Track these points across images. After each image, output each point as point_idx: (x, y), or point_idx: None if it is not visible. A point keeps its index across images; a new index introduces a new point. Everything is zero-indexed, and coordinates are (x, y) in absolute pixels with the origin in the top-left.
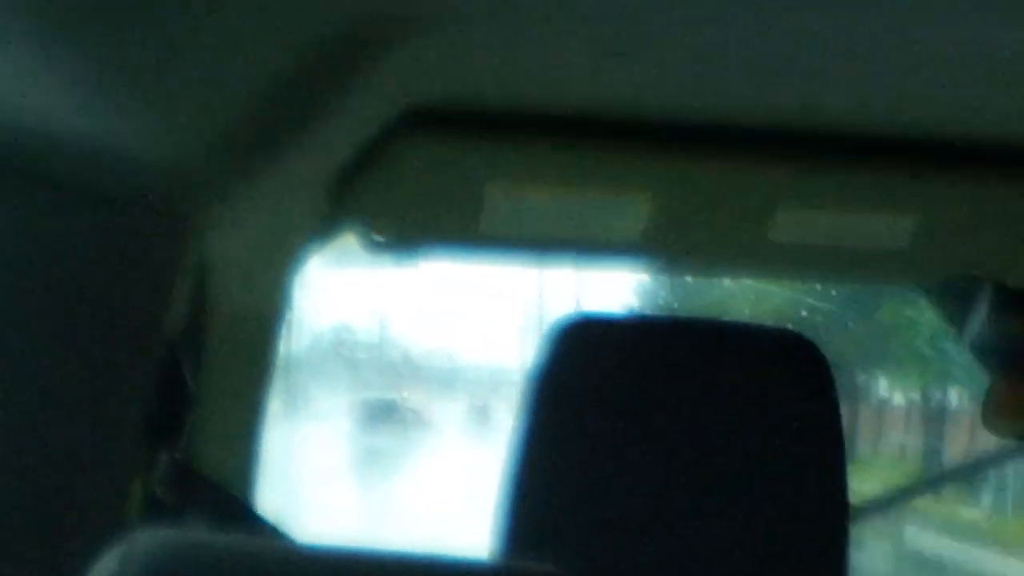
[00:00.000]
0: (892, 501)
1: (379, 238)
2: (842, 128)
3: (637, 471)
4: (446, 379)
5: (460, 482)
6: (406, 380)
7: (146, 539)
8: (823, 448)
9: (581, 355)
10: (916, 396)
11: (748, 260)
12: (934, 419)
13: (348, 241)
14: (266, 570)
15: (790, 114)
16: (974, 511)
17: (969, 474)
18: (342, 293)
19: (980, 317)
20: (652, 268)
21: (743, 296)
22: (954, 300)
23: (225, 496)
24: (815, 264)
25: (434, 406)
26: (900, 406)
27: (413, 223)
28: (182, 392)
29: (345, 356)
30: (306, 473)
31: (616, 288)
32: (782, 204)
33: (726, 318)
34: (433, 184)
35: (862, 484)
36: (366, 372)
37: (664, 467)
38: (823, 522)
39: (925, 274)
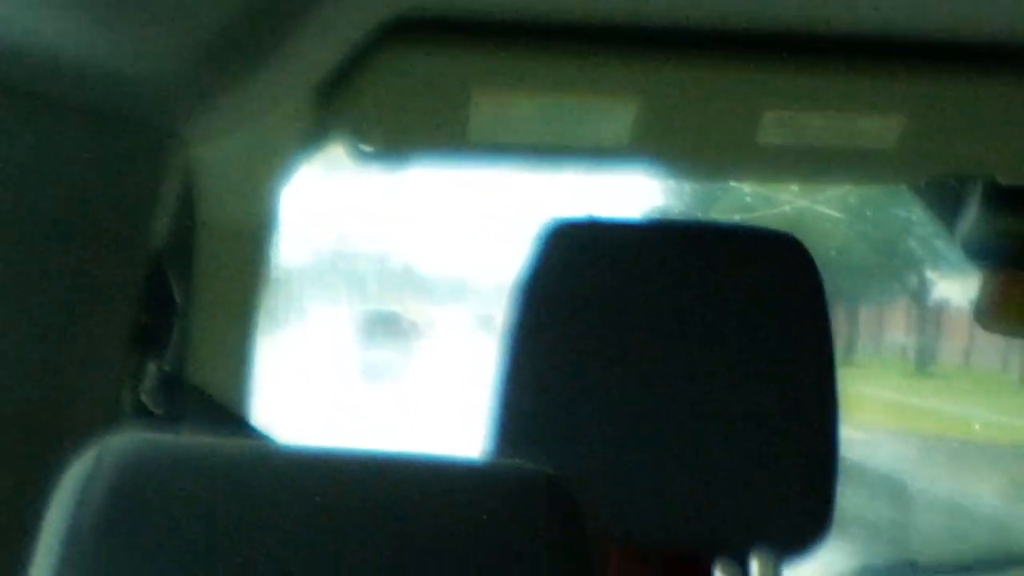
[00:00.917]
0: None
1: (366, 147)
2: (828, 29)
3: (624, 374)
4: (450, 289)
5: (464, 390)
6: (408, 291)
7: (119, 440)
8: (813, 351)
9: (567, 259)
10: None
11: (736, 163)
12: (930, 318)
13: (337, 151)
14: (241, 469)
15: (776, 16)
16: None
17: None
18: (340, 204)
19: (971, 215)
20: (641, 172)
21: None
22: (944, 198)
23: (216, 406)
24: (803, 166)
25: (437, 316)
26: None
27: (400, 131)
28: (169, 303)
29: (343, 268)
30: (305, 386)
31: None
32: (769, 106)
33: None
34: (419, 92)
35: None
36: (367, 284)
37: (651, 370)
38: (813, 425)
39: (914, 173)
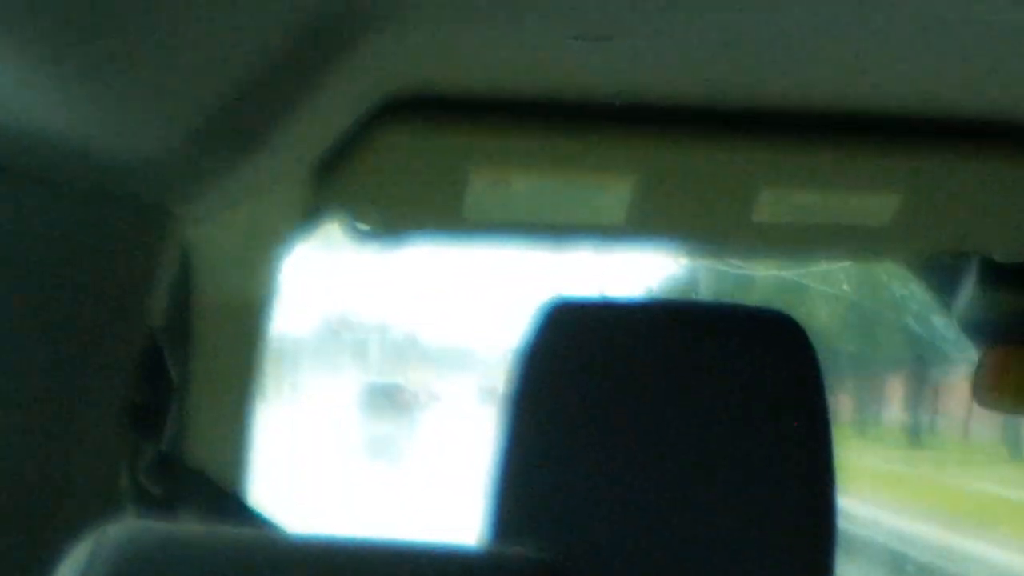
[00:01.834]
0: None
1: (363, 226)
2: (824, 107)
3: (622, 454)
4: (454, 359)
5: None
6: (412, 362)
7: (118, 529)
8: (810, 430)
9: (565, 338)
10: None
11: (733, 241)
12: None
13: (333, 229)
14: (238, 557)
15: (771, 95)
16: None
17: None
18: (340, 275)
19: (967, 291)
20: (637, 251)
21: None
22: (941, 275)
23: (214, 487)
24: (800, 243)
25: (442, 387)
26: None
27: (396, 210)
28: (166, 382)
29: (346, 339)
30: (307, 462)
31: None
32: (765, 185)
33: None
34: (416, 171)
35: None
36: (369, 354)
37: (649, 450)
38: (810, 505)
39: (910, 250)
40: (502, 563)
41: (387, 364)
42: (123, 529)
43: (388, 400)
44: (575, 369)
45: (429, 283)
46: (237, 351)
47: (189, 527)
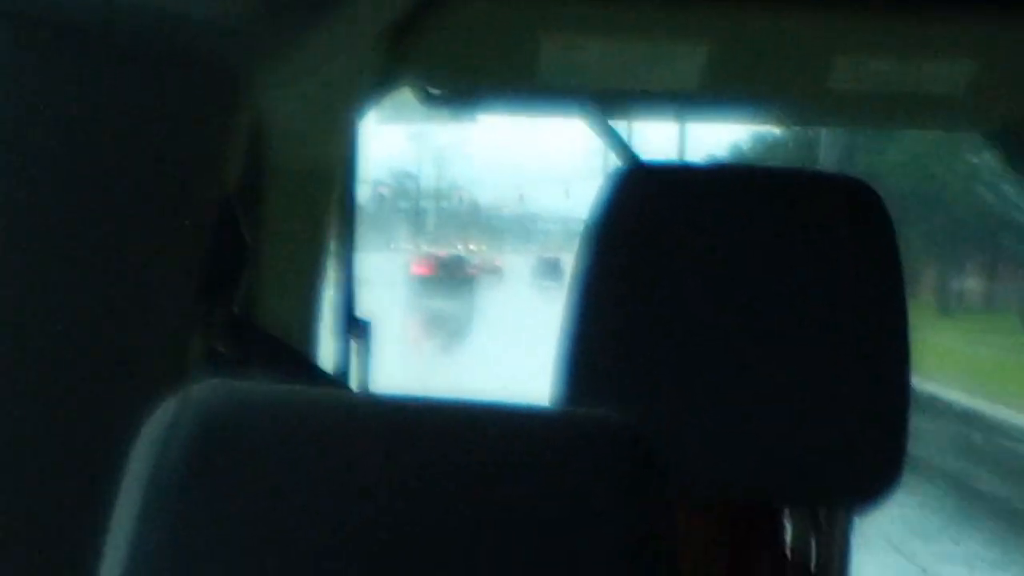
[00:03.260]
0: None
1: (435, 91)
2: None
3: (695, 321)
4: (517, 231)
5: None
6: (474, 232)
7: (201, 388)
8: (884, 298)
9: (638, 205)
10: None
11: (806, 108)
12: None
13: (405, 95)
14: (323, 417)
15: None
16: None
17: None
18: (405, 143)
19: None
20: (709, 117)
21: None
22: (1015, 145)
23: (286, 349)
24: (874, 111)
25: (504, 260)
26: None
27: (468, 76)
28: (240, 248)
29: (405, 208)
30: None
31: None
32: (840, 51)
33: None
34: (488, 36)
35: None
36: (431, 224)
37: (722, 317)
38: (884, 375)
39: (985, 120)
40: (586, 424)
41: (445, 234)
42: (207, 389)
43: (448, 274)
44: (649, 235)
45: (490, 149)
46: (310, 217)
47: (272, 386)
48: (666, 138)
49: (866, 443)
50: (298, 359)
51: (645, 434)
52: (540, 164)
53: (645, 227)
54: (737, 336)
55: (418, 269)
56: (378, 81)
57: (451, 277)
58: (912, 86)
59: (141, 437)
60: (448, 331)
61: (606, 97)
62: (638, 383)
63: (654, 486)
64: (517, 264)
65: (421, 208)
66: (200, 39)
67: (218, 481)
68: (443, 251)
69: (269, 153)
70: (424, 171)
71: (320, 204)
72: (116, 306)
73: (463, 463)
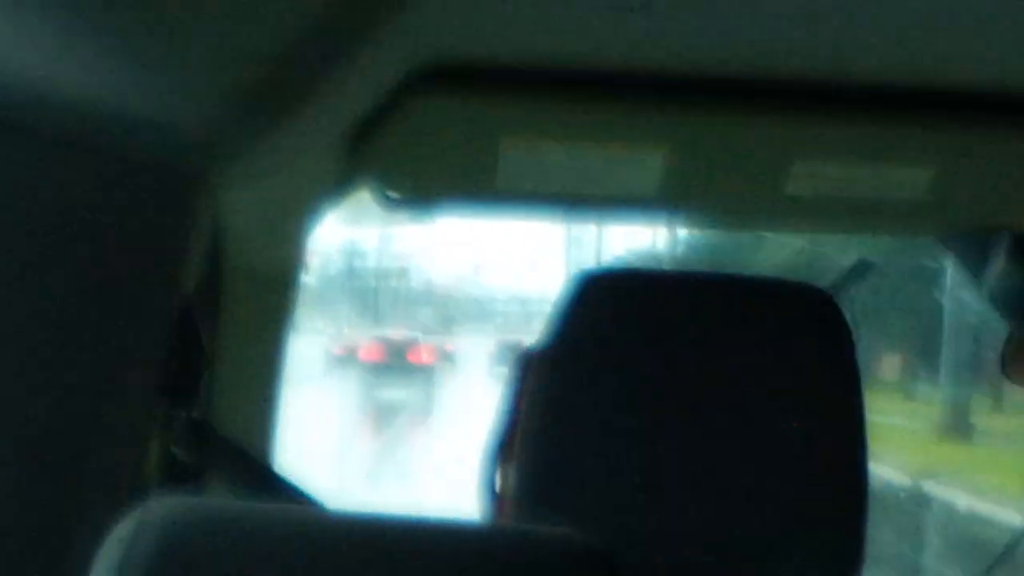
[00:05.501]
0: None
1: (394, 194)
2: (857, 80)
3: (651, 430)
4: (474, 314)
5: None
6: (427, 313)
7: (161, 505)
8: (843, 403)
9: (595, 312)
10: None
11: (765, 213)
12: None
13: (363, 197)
14: (285, 537)
15: (805, 66)
16: None
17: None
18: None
19: (999, 267)
20: (669, 222)
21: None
22: (972, 250)
23: (244, 456)
24: (832, 216)
25: (461, 343)
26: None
27: (428, 179)
28: (198, 350)
29: (358, 287)
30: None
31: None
32: (798, 157)
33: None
34: (448, 140)
35: None
36: (378, 304)
37: (681, 422)
38: (841, 484)
39: (942, 225)
40: (551, 545)
41: (398, 314)
42: (167, 505)
43: (399, 359)
44: (607, 342)
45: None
46: (267, 318)
47: (231, 503)
48: (586, 240)
49: (827, 536)
50: (257, 467)
51: (607, 554)
52: (497, 239)
53: (604, 333)
54: (697, 441)
55: (367, 355)
56: (337, 184)
57: (404, 363)
58: (870, 191)
59: (102, 551)
60: (402, 429)
61: (566, 201)
62: (596, 493)
63: None
64: (473, 349)
65: (370, 287)
66: (160, 141)
67: None
68: (396, 333)
69: (227, 256)
70: (372, 246)
71: (278, 306)
72: (73, 409)
73: None
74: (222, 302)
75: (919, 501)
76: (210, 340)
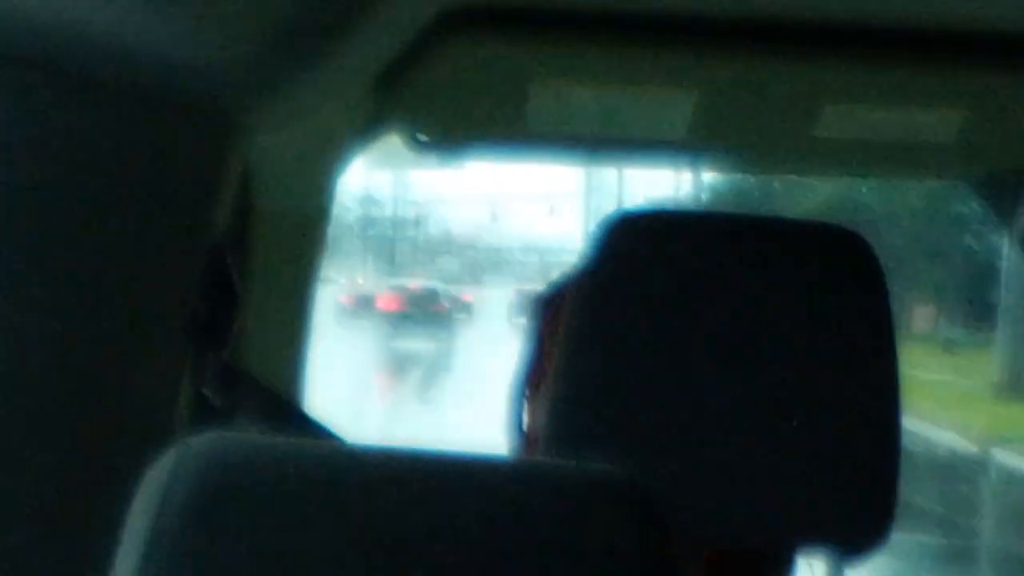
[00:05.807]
0: None
1: (423, 137)
2: (887, 22)
3: (683, 370)
4: (492, 265)
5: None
6: (443, 261)
7: (199, 442)
8: (875, 346)
9: (631, 251)
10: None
11: (794, 156)
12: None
13: (393, 140)
14: (319, 470)
15: (836, 8)
16: None
17: None
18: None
19: None
20: (696, 165)
21: None
22: (1001, 193)
23: (274, 397)
24: (861, 159)
25: (479, 294)
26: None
27: (457, 122)
28: (229, 293)
29: (375, 237)
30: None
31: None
32: (828, 99)
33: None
34: (477, 83)
35: None
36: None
37: (712, 364)
38: (875, 422)
39: (972, 168)
40: (588, 479)
41: (416, 263)
42: (205, 441)
43: (417, 308)
44: (640, 283)
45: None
46: (295, 261)
47: (268, 439)
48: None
49: (858, 491)
50: (286, 407)
51: (645, 489)
52: (515, 188)
53: (637, 273)
54: (728, 382)
55: (385, 304)
56: (366, 127)
57: (423, 313)
58: (899, 134)
59: (141, 489)
60: (423, 380)
61: (594, 144)
62: (629, 431)
63: (657, 542)
64: (491, 299)
65: (386, 236)
66: (190, 83)
67: (219, 533)
68: (414, 283)
69: (257, 198)
70: (388, 193)
71: (307, 249)
72: (106, 352)
73: (464, 517)
74: (251, 245)
75: (991, 471)
76: (239, 283)
